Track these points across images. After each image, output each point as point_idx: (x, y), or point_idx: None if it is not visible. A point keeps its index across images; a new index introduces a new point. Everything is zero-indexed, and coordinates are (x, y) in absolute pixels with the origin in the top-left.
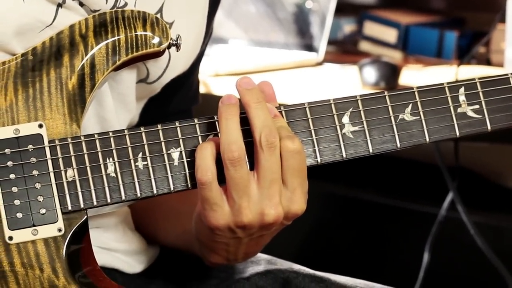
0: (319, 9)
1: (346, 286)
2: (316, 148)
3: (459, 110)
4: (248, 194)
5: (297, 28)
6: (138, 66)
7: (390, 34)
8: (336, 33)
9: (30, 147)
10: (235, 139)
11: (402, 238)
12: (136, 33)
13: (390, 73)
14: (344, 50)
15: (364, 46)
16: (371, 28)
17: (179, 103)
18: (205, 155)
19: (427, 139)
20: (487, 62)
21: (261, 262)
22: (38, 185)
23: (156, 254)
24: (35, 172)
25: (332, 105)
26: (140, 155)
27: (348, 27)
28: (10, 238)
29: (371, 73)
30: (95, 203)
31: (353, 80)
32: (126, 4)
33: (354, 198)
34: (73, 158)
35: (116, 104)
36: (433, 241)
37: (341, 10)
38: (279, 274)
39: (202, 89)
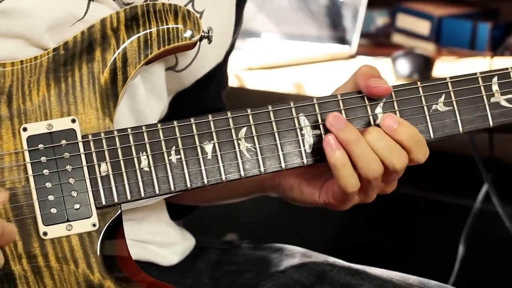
0: (352, 2)
1: (382, 278)
2: None
3: (492, 99)
4: None
5: (329, 21)
6: None
7: (423, 26)
8: (368, 26)
9: (63, 142)
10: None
11: (437, 231)
12: (168, 26)
13: (423, 65)
14: (377, 42)
15: (397, 38)
16: (404, 20)
17: (211, 91)
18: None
19: (461, 130)
20: None
21: (296, 255)
22: (72, 180)
23: (191, 246)
24: (68, 167)
25: (365, 96)
26: (173, 148)
27: (380, 19)
28: (45, 233)
29: (404, 66)
30: (129, 197)
31: (386, 73)
32: None
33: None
34: (106, 152)
35: (148, 94)
36: (468, 233)
37: (374, 2)
38: (314, 267)
39: (235, 83)
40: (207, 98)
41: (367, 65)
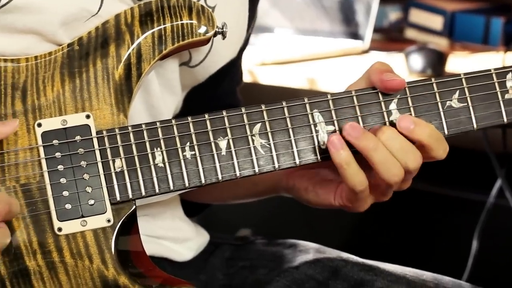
0: None
1: (395, 274)
2: None
3: (506, 96)
4: None
5: (342, 16)
6: None
7: (436, 21)
8: (381, 21)
9: (77, 138)
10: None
11: (450, 226)
12: (182, 22)
13: (437, 60)
14: (390, 37)
15: (410, 33)
16: (417, 15)
17: (226, 87)
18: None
19: (475, 126)
20: None
21: (310, 251)
22: (86, 176)
23: (205, 242)
24: (83, 163)
25: (379, 93)
26: (187, 144)
27: (393, 14)
28: (59, 229)
29: (417, 61)
30: (143, 193)
31: (399, 68)
32: None
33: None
34: (121, 148)
35: (162, 89)
36: (482, 229)
37: None
38: (328, 262)
39: (248, 78)
40: (221, 94)
41: (380, 61)
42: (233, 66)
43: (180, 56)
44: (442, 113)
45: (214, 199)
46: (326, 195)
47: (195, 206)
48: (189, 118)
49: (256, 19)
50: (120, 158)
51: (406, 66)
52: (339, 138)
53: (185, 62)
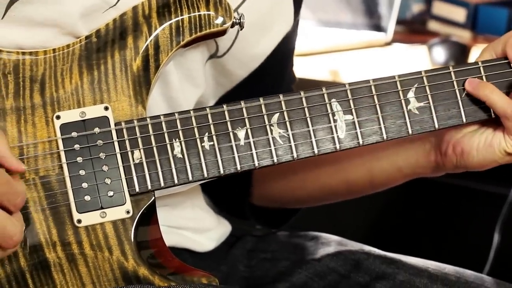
0: None
1: (417, 267)
2: (382, 125)
3: None
4: None
5: (365, 8)
6: (206, 41)
7: (459, 14)
8: (404, 13)
9: (96, 129)
10: None
11: (472, 219)
12: (200, 13)
13: (459, 52)
14: (413, 30)
15: (433, 25)
16: (440, 8)
17: (281, 84)
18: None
19: (492, 114)
20: None
21: (332, 244)
22: (105, 168)
23: (227, 232)
24: (102, 155)
25: (397, 82)
26: (206, 135)
27: (416, 6)
28: (79, 221)
29: (440, 53)
30: (162, 184)
31: (422, 60)
32: None
33: (424, 179)
34: (139, 139)
35: (182, 81)
36: (504, 222)
37: None
38: (350, 255)
39: None
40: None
41: None
42: (273, 64)
43: (208, 48)
44: (460, 102)
45: (316, 194)
46: (491, 151)
47: (283, 214)
48: (207, 109)
49: (299, 14)
50: (139, 150)
51: (429, 59)
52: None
53: (213, 54)
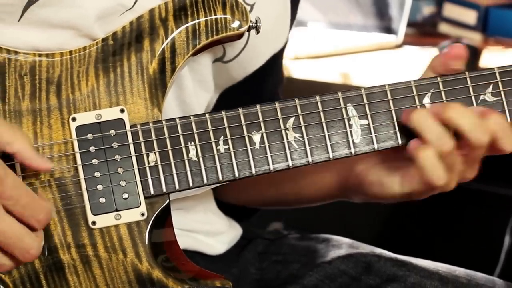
0: None
1: (428, 270)
2: (397, 130)
3: None
4: None
5: (376, 10)
6: None
7: (470, 16)
8: (415, 15)
9: (112, 132)
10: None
11: (482, 221)
12: (216, 17)
13: (470, 55)
14: (423, 32)
15: (444, 28)
16: (451, 10)
17: (268, 87)
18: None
19: (509, 119)
20: None
21: (343, 246)
22: (120, 170)
23: (238, 235)
24: (117, 157)
25: (413, 86)
26: (221, 138)
27: (427, 8)
28: (94, 223)
29: None
30: (177, 187)
31: None
32: None
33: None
34: (155, 142)
35: (195, 85)
36: None
37: None
38: (361, 258)
39: None
40: (262, 95)
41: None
42: (273, 66)
43: (214, 52)
44: (474, 104)
45: (266, 200)
46: (390, 186)
47: (243, 211)
48: (223, 112)
49: (295, 19)
50: (154, 152)
51: None
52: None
53: (219, 58)
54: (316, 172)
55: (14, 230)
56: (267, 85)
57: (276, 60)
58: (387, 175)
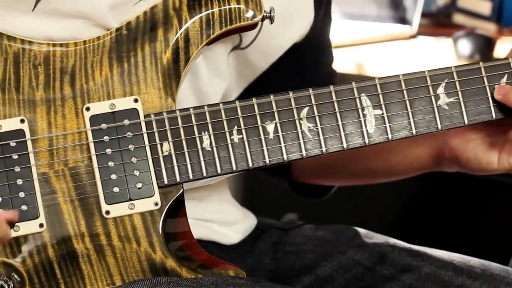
0: None
1: (442, 260)
2: (411, 120)
3: None
4: None
5: (390, 1)
6: None
7: (484, 6)
8: (429, 6)
9: (126, 121)
10: None
11: (497, 211)
12: (230, 7)
13: (485, 45)
14: (438, 22)
15: (458, 18)
16: (465, 0)
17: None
18: None
19: None
20: None
21: (357, 236)
22: (134, 160)
23: (252, 225)
24: (131, 147)
25: (427, 76)
26: (235, 128)
27: None
28: (107, 212)
29: (465, 46)
30: (191, 177)
31: (447, 53)
32: None
33: (449, 172)
34: (168, 132)
35: (210, 74)
36: None
37: None
38: (375, 248)
39: None
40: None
41: None
42: (306, 56)
43: (232, 40)
44: (490, 98)
45: (349, 174)
46: (488, 162)
47: (319, 188)
48: (237, 102)
49: (326, 6)
50: (168, 142)
51: (454, 52)
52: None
53: (236, 46)
54: (408, 147)
55: None
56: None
57: (300, 49)
58: (485, 152)
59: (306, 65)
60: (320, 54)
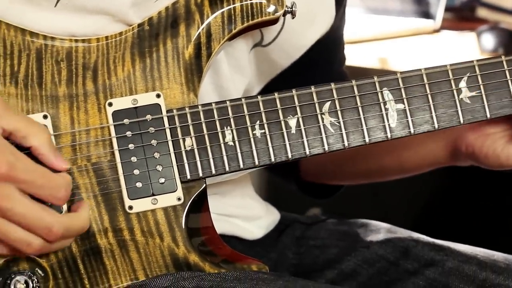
0: None
1: (466, 254)
2: (433, 114)
3: None
4: None
5: None
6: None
7: (508, 0)
8: (453, 0)
9: (148, 117)
10: None
11: None
12: (252, 1)
13: (509, 39)
14: (461, 17)
15: (482, 12)
16: None
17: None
18: None
19: None
20: None
21: (381, 231)
22: (157, 155)
23: (276, 220)
24: (153, 142)
25: (449, 70)
26: (257, 123)
27: None
28: (130, 207)
29: (489, 40)
30: (213, 171)
31: (471, 47)
32: None
33: (473, 166)
34: (191, 127)
35: (231, 70)
36: None
37: None
38: (399, 242)
39: None
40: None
41: None
42: (325, 53)
43: (253, 37)
44: None
45: (358, 174)
46: (509, 153)
47: (325, 189)
48: (259, 97)
49: (345, 5)
50: (190, 137)
51: (477, 46)
52: None
53: (258, 43)
54: (422, 142)
55: (32, 211)
56: (314, 73)
57: (321, 47)
58: (504, 147)
59: (319, 63)
60: (333, 51)
